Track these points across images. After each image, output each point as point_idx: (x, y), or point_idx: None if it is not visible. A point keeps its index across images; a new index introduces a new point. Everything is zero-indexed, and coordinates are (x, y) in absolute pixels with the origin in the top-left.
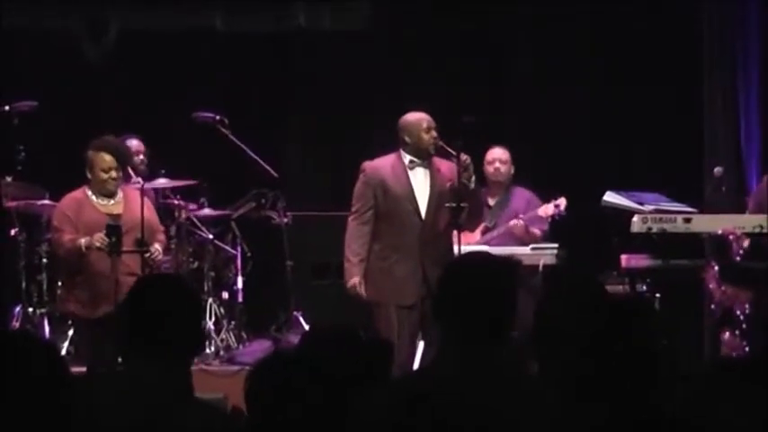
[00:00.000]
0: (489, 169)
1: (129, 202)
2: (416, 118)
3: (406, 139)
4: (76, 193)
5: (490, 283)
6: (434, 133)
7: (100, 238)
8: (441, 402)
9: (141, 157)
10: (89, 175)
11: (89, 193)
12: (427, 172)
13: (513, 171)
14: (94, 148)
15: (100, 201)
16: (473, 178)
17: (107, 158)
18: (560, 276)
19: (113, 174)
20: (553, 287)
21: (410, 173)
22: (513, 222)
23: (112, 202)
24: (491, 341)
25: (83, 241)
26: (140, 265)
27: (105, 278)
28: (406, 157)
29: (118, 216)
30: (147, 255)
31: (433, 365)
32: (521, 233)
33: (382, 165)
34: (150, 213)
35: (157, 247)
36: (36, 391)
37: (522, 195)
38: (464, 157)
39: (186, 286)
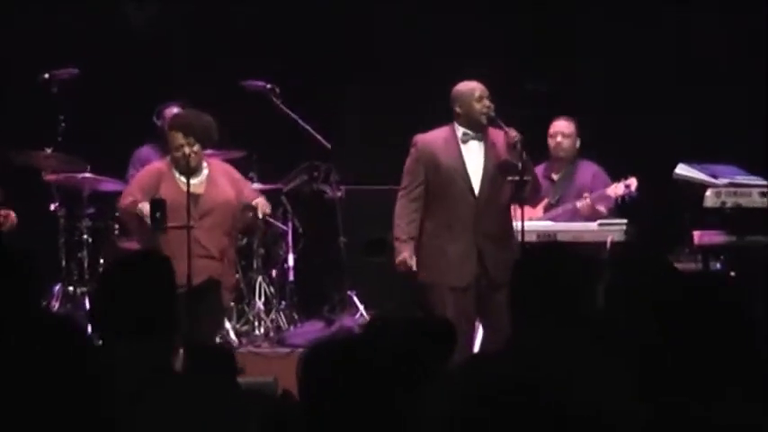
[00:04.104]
0: (551, 143)
1: (213, 180)
2: (468, 87)
3: (458, 109)
4: (160, 164)
5: (570, 276)
6: (487, 102)
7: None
8: (521, 385)
9: None
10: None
11: (172, 167)
12: (481, 145)
13: (578, 144)
14: (167, 128)
15: (182, 177)
16: (523, 155)
17: (177, 136)
18: (630, 253)
19: (186, 150)
20: (624, 263)
21: (463, 147)
22: (580, 204)
23: (194, 181)
24: (568, 323)
25: (141, 206)
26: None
27: (178, 261)
28: (460, 130)
29: (198, 196)
30: (252, 214)
31: (509, 348)
32: (587, 212)
33: (434, 138)
34: (232, 194)
35: (260, 200)
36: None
37: (587, 169)
38: (513, 133)
39: (157, 264)
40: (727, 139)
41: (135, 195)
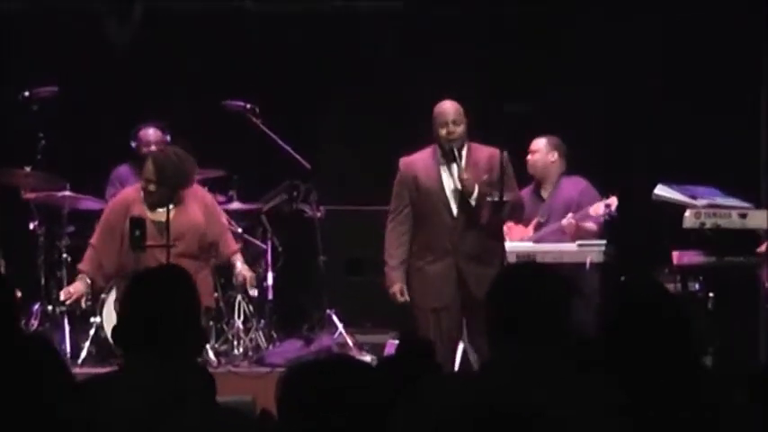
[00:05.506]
0: None
1: (184, 206)
2: (438, 111)
3: (433, 131)
4: (130, 190)
5: (544, 294)
6: (451, 128)
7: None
8: (500, 404)
9: (154, 147)
10: None
11: (143, 194)
12: (461, 166)
13: (554, 159)
14: (150, 155)
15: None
16: (494, 194)
17: (149, 169)
18: (616, 274)
19: (151, 187)
20: (613, 286)
21: (441, 167)
22: (565, 222)
23: (163, 209)
24: (547, 343)
25: (67, 288)
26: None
27: None
28: (439, 151)
29: (167, 221)
30: (242, 281)
31: (487, 369)
32: (572, 232)
33: (415, 160)
34: (200, 218)
35: (246, 273)
36: (38, 398)
37: (574, 185)
38: (485, 177)
39: (184, 282)
40: (707, 159)
41: (96, 246)
